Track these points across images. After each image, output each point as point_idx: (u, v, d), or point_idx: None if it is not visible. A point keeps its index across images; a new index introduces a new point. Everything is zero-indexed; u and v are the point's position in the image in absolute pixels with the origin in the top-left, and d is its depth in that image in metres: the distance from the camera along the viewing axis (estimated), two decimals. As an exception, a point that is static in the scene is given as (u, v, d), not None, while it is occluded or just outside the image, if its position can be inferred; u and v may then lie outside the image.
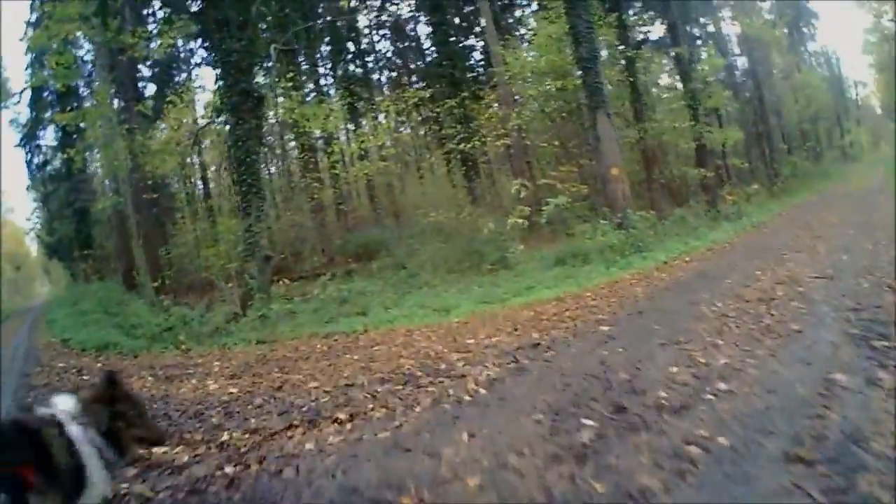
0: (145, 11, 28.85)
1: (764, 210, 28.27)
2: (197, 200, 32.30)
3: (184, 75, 32.65)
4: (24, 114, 34.71)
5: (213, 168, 33.47)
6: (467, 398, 6.97)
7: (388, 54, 38.18)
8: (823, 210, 25.75)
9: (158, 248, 25.67)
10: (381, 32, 37.83)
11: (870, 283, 9.92)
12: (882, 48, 54.07)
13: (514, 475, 4.69)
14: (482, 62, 33.33)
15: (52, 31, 21.65)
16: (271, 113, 26.07)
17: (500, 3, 33.18)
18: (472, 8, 32.15)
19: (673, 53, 31.21)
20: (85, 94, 30.26)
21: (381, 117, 32.42)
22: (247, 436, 6.58)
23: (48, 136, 34.58)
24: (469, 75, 31.98)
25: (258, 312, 15.98)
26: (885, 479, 3.93)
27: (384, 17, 37.02)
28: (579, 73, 22.17)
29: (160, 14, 29.03)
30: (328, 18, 32.44)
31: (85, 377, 12.15)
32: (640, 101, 28.96)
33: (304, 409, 7.45)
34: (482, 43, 32.65)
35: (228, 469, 5.66)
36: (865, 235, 15.27)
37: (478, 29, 33.26)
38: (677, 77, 32.43)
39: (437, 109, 28.51)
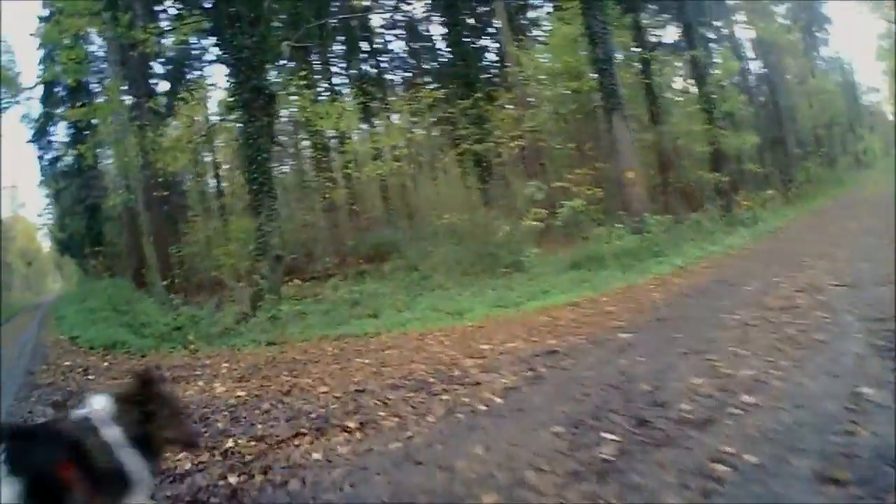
0: (157, 7, 28.83)
1: (779, 216, 28.02)
2: (208, 198, 32.25)
3: (196, 73, 32.62)
4: (37, 109, 34.83)
5: (225, 166, 33.42)
6: (482, 407, 6.76)
7: (402, 54, 38.13)
8: (840, 216, 25.55)
9: (169, 245, 25.58)
10: (395, 32, 37.76)
11: (893, 292, 9.52)
12: (893, 54, 53.90)
13: (532, 493, 4.48)
14: (496, 63, 33.25)
15: (64, 27, 21.56)
16: (284, 111, 25.98)
17: (514, 3, 33.06)
18: (486, 8, 32.04)
19: (688, 56, 31.07)
20: (96, 90, 30.27)
21: (395, 117, 32.37)
22: (252, 443, 6.38)
23: (60, 132, 34.62)
24: (483, 76, 31.90)
25: (268, 313, 15.81)
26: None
27: (398, 17, 36.95)
28: (595, 74, 22.09)
29: (172, 10, 29.04)
30: (341, 17, 32.34)
31: (90, 377, 11.92)
32: (655, 103, 28.86)
33: (312, 415, 7.22)
34: (496, 44, 32.58)
35: (232, 479, 5.47)
36: (885, 243, 14.76)
37: (492, 29, 33.18)
38: (692, 80, 32.27)
39: (451, 110, 28.41)
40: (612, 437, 5.33)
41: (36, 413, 8.91)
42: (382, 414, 6.88)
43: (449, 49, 33.13)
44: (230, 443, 6.43)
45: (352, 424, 6.58)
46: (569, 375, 7.65)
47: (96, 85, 30.39)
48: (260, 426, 7.03)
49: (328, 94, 31.21)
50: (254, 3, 19.01)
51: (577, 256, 18.83)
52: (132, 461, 3.48)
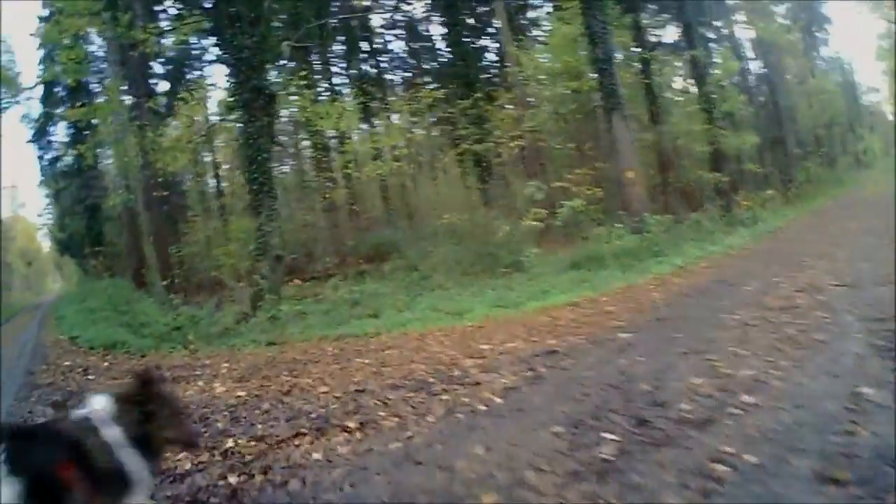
0: (157, 7, 28.82)
1: (779, 216, 28.01)
2: (209, 198, 32.24)
3: (196, 73, 32.60)
4: (37, 109, 34.83)
5: (225, 166, 33.41)
6: (482, 407, 6.76)
7: (402, 54, 38.11)
8: (840, 216, 25.56)
9: (169, 245, 25.55)
10: (395, 32, 37.74)
11: (893, 292, 9.53)
12: (893, 54, 53.92)
13: (532, 493, 4.47)
14: (496, 63, 33.24)
15: (63, 27, 21.57)
16: (284, 111, 25.97)
17: (514, 3, 33.06)
18: (486, 8, 32.04)
19: (688, 56, 31.08)
20: (96, 90, 30.27)
21: (395, 117, 32.32)
22: (252, 443, 6.37)
23: (60, 133, 34.62)
24: (483, 76, 31.90)
25: (268, 313, 15.79)
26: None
27: (398, 17, 36.95)
28: (594, 74, 22.14)
29: (172, 10, 29.04)
30: (342, 17, 32.33)
31: (90, 377, 11.91)
32: (655, 103, 28.88)
33: (312, 415, 7.21)
34: (496, 44, 32.58)
35: (232, 479, 5.46)
36: (885, 243, 14.76)
37: (492, 29, 33.18)
38: (692, 80, 32.27)
39: (451, 110, 28.40)
40: (612, 436, 5.32)
41: (36, 413, 8.90)
42: (382, 414, 6.88)
43: (449, 49, 33.13)
44: (230, 443, 6.42)
45: (352, 424, 6.57)
46: (569, 375, 7.64)
47: (96, 85, 30.43)
48: (260, 426, 7.02)
49: (328, 94, 31.23)
50: (254, 3, 19.00)
51: (577, 256, 18.82)
52: (132, 461, 3.48)
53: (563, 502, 4.30)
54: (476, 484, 4.73)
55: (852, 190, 41.27)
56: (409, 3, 36.70)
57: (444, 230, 22.22)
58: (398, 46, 38.09)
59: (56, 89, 32.13)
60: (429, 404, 7.10)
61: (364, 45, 36.24)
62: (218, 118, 26.14)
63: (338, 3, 33.34)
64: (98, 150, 28.52)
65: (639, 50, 27.82)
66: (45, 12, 27.92)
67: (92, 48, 27.98)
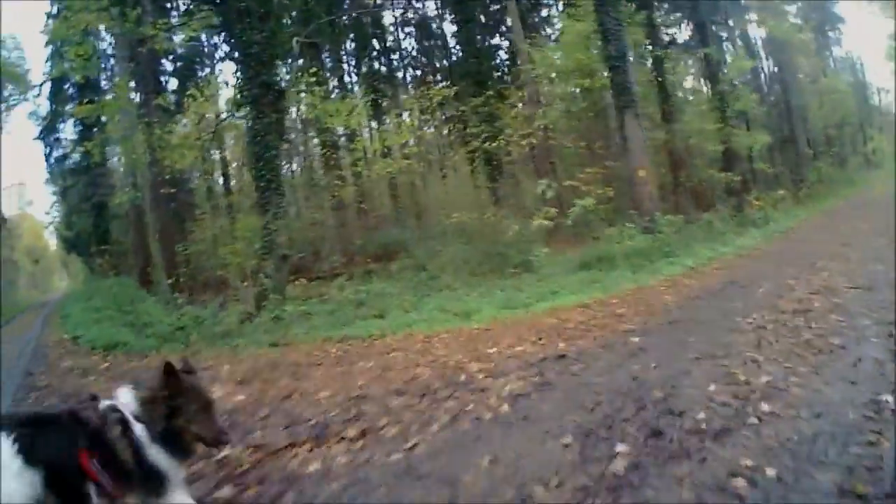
0: (166, 3, 28.77)
1: (791, 216, 27.99)
2: (216, 196, 32.16)
3: (206, 69, 32.58)
4: (44, 106, 34.83)
5: (234, 164, 33.37)
6: (488, 415, 6.49)
7: (413, 52, 38.04)
8: (852, 217, 25.45)
9: (176, 244, 25.45)
10: (407, 30, 37.70)
11: None
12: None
13: (541, 511, 4.25)
14: (508, 61, 33.17)
15: (71, 23, 21.53)
16: (294, 108, 25.92)
17: (527, 1, 33.00)
18: (498, 6, 31.96)
19: (701, 54, 30.99)
20: (105, 87, 30.26)
21: (405, 115, 32.37)
22: (249, 452, 6.12)
23: (67, 130, 34.62)
24: (495, 74, 31.84)
25: (272, 314, 15.66)
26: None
27: (410, 14, 36.91)
28: (607, 72, 22.13)
29: (181, 5, 28.98)
30: (353, 14, 32.29)
31: (90, 378, 11.68)
32: (667, 102, 28.82)
33: (311, 422, 6.94)
34: (508, 42, 32.50)
35: (226, 490, 5.24)
36: None
37: (503, 28, 33.09)
38: (704, 79, 32.19)
39: (462, 108, 28.34)
40: (625, 448, 5.10)
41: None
42: (384, 421, 6.62)
43: (460, 47, 33.09)
44: (226, 450, 6.09)
45: (352, 433, 6.34)
46: (578, 381, 7.41)
47: (105, 82, 30.42)
48: (258, 433, 6.79)
49: (339, 91, 31.20)
50: (263, -1, 19.00)
51: (587, 256, 18.65)
52: (160, 456, 3.53)
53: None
54: (481, 500, 4.53)
55: (862, 190, 41.31)
56: (421, 1, 36.74)
57: (452, 229, 22.09)
58: (410, 44, 38.12)
59: (64, 86, 32.16)
60: (433, 411, 6.84)
61: (375, 43, 36.22)
62: (227, 115, 26.05)
63: (349, 0, 33.33)
64: (106, 148, 28.47)
65: (652, 48, 27.65)
66: (54, 9, 27.94)
67: (101, 45, 27.98)
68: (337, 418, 6.99)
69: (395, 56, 37.39)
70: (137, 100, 24.97)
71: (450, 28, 35.83)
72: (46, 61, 31.56)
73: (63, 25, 22.28)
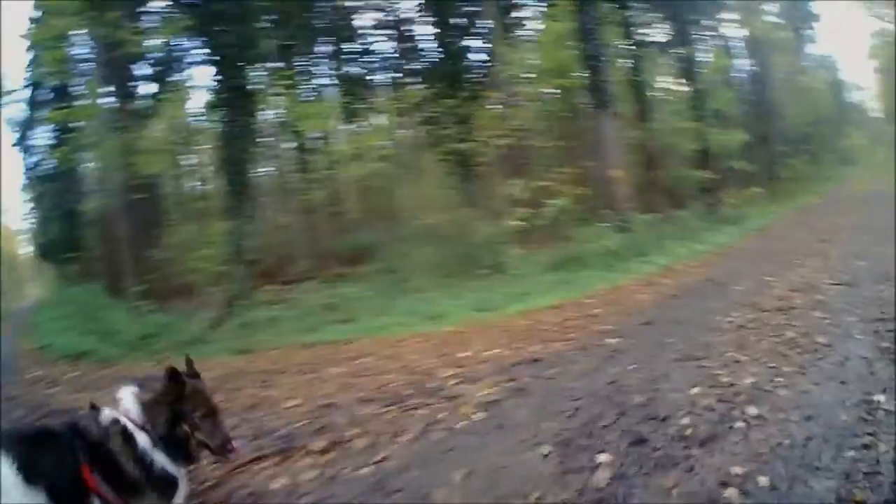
0: (141, 8, 28.58)
1: (766, 213, 28.14)
2: (189, 201, 31.98)
3: (180, 74, 32.43)
4: (23, 112, 34.68)
5: (207, 168, 33.19)
6: (461, 424, 6.26)
7: (388, 54, 37.95)
8: (828, 213, 25.77)
9: (146, 250, 25.25)
10: (381, 32, 37.60)
11: (892, 290, 9.40)
12: (885, 52, 54.46)
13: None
14: (483, 62, 33.11)
15: (49, 27, 21.46)
16: (266, 111, 25.77)
17: (504, 3, 32.98)
18: (474, 8, 31.92)
19: (677, 53, 31.01)
20: (80, 92, 30.10)
21: (379, 118, 32.06)
22: (212, 466, 5.65)
23: (43, 136, 34.47)
24: (469, 75, 31.78)
25: (240, 320, 15.51)
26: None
27: (385, 18, 36.84)
28: (584, 72, 22.12)
29: (156, 9, 28.82)
30: (328, 17, 32.17)
31: (58, 388, 11.48)
32: (642, 101, 28.69)
33: (277, 434, 6.67)
34: (484, 42, 32.44)
35: (191, 508, 4.96)
36: (878, 240, 14.81)
37: (480, 29, 33.04)
38: (681, 78, 32.21)
39: (436, 109, 28.22)
40: (607, 458, 4.94)
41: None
42: (353, 432, 6.37)
43: (436, 48, 33.00)
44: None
45: (319, 445, 6.09)
46: (555, 386, 7.20)
47: (80, 87, 30.24)
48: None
49: (313, 94, 31.08)
50: (237, 0, 18.79)
51: (560, 257, 18.53)
52: (163, 465, 3.39)
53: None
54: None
55: (838, 187, 41.76)
56: (396, 3, 36.72)
57: (424, 231, 22.02)
58: (385, 47, 38.03)
59: (41, 91, 32.01)
60: (404, 421, 6.60)
61: (349, 45, 36.11)
62: (199, 119, 25.87)
63: (324, 3, 33.17)
64: (79, 154, 28.28)
65: (628, 47, 27.61)
66: (37, 14, 27.79)
67: (78, 50, 27.83)
68: (305, 429, 6.76)
69: (370, 59, 37.36)
70: (111, 105, 24.81)
71: (425, 30, 35.85)
72: (27, 67, 31.43)
73: (41, 30, 22.28)
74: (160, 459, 3.38)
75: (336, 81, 32.57)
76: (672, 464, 4.64)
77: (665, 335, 8.88)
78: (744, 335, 8.28)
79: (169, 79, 28.68)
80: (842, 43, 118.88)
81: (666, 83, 33.57)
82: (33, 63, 29.68)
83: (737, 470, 4.34)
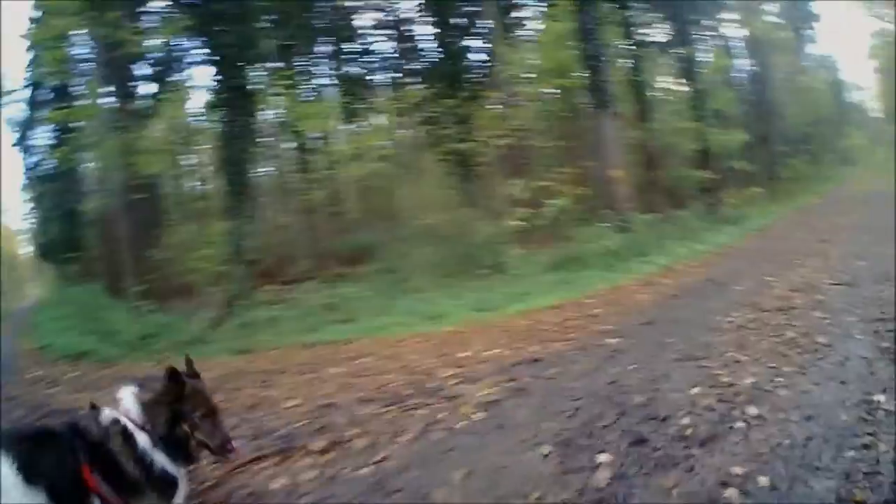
0: (141, 8, 28.55)
1: (766, 213, 28.09)
2: (189, 201, 31.96)
3: (181, 74, 32.42)
4: (23, 112, 34.65)
5: (207, 168, 33.16)
6: (461, 424, 6.24)
7: (388, 54, 37.91)
8: (828, 213, 25.72)
9: (146, 250, 25.23)
10: (381, 32, 37.56)
11: (892, 290, 9.37)
12: (885, 52, 54.49)
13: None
14: (484, 62, 33.08)
15: (49, 27, 21.45)
16: (266, 111, 25.74)
17: (504, 2, 32.97)
18: (474, 8, 31.88)
19: (678, 53, 31.00)
20: (80, 92, 30.07)
21: (379, 118, 32.03)
22: (212, 467, 5.64)
23: (43, 136, 34.47)
24: (470, 75, 31.74)
25: (240, 320, 15.48)
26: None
27: (386, 18, 36.81)
28: (584, 71, 22.10)
29: (156, 8, 28.79)
30: (328, 17, 32.14)
31: (57, 388, 11.45)
32: (643, 101, 28.69)
33: (277, 434, 6.65)
34: (484, 42, 32.41)
35: (190, 508, 4.94)
36: (878, 240, 14.77)
37: (480, 29, 33.01)
38: (681, 77, 32.19)
39: (437, 109, 28.17)
40: (607, 458, 4.93)
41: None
42: (352, 433, 6.35)
43: (436, 48, 32.97)
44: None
45: (319, 445, 6.07)
46: (555, 386, 7.17)
47: (81, 88, 30.22)
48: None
49: (313, 93, 31.05)
50: (237, 0, 18.78)
51: (560, 257, 18.49)
52: (163, 465, 3.39)
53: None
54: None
55: (839, 187, 41.69)
56: (396, 3, 36.69)
57: (424, 231, 21.99)
58: (384, 46, 37.98)
59: (41, 92, 31.99)
60: (403, 421, 6.59)
61: (350, 45, 36.07)
62: (199, 119, 25.87)
63: (324, 3, 33.13)
64: (79, 154, 28.27)
65: (628, 47, 27.59)
66: (37, 14, 27.77)
67: (78, 50, 27.81)
68: (305, 429, 6.74)
69: (370, 58, 37.31)
70: (111, 105, 24.79)
71: (425, 30, 35.82)
72: (27, 67, 31.40)
73: (41, 30, 22.26)
74: (160, 459, 3.37)
75: (336, 81, 32.57)
76: (672, 464, 4.63)
77: (665, 335, 8.84)
78: (744, 335, 8.25)
79: (169, 79, 28.70)
80: (842, 43, 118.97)
81: (666, 83, 33.56)
82: (33, 63, 29.64)
83: (737, 470, 4.33)
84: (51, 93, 29.81)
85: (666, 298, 12.33)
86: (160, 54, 27.31)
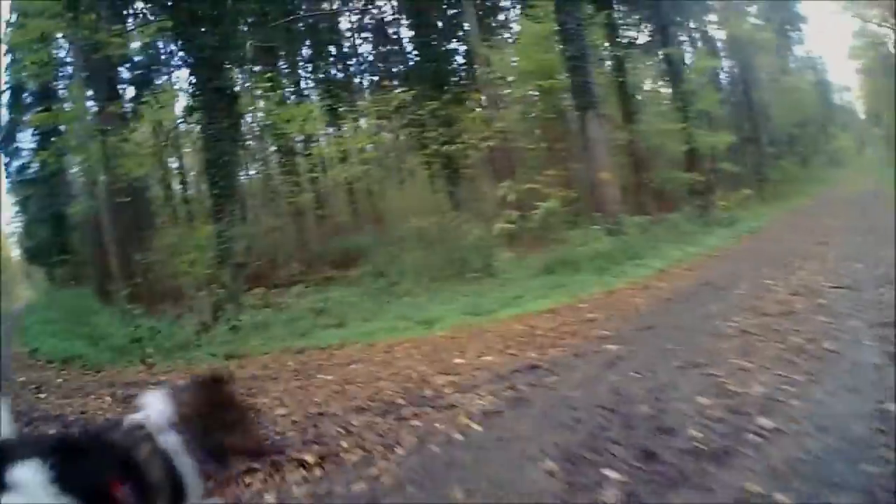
0: (121, 10, 28.46)
1: (757, 215, 28.13)
2: (175, 204, 31.88)
3: (162, 77, 32.35)
4: (5, 116, 34.53)
5: (192, 171, 33.08)
6: (459, 436, 6.00)
7: (371, 56, 37.92)
8: (820, 215, 25.84)
9: (133, 253, 25.12)
10: (364, 35, 37.56)
11: (892, 294, 9.25)
12: (867, 53, 55.55)
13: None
14: (466, 64, 33.05)
15: (28, 30, 21.18)
16: (249, 114, 25.63)
17: (485, 4, 32.94)
18: (455, 11, 31.82)
19: (662, 55, 31.16)
20: (62, 95, 29.98)
21: (363, 120, 32.02)
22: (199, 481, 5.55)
23: (28, 139, 34.36)
24: (452, 77, 31.67)
25: (228, 324, 15.32)
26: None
27: (367, 20, 36.80)
28: (567, 73, 21.99)
29: (136, 10, 28.70)
30: (309, 19, 32.08)
31: (42, 394, 11.19)
32: (629, 102, 28.84)
33: (268, 444, 6.38)
34: (466, 45, 32.38)
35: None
36: (874, 242, 14.83)
37: (461, 32, 32.99)
38: (667, 79, 32.21)
39: (420, 112, 28.08)
40: (615, 475, 4.67)
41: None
42: (345, 444, 6.14)
43: (418, 51, 32.96)
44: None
45: (310, 458, 5.81)
46: (555, 396, 6.94)
47: (63, 90, 30.13)
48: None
49: (295, 96, 31.02)
50: (215, 1, 18.59)
51: (551, 260, 18.27)
52: (191, 473, 3.31)
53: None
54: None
55: (829, 188, 42.10)
56: (378, 5, 36.66)
57: (412, 234, 21.85)
58: (367, 49, 38.01)
59: (23, 94, 31.85)
60: (398, 432, 6.34)
61: (332, 48, 36.06)
62: (181, 121, 25.77)
63: (305, 4, 33.09)
64: (63, 157, 28.17)
65: (612, 48, 27.56)
66: (12, 17, 27.65)
67: (58, 53, 27.72)
68: (294, 440, 6.51)
69: (353, 61, 37.31)
70: (93, 108, 24.68)
71: (407, 32, 35.85)
72: (6, 69, 31.25)
73: (19, 33, 22.09)
74: (190, 470, 3.29)
75: (319, 84, 32.65)
76: (684, 481, 4.42)
77: (665, 341, 8.67)
78: (748, 341, 8.03)
79: (152, 81, 28.68)
80: (828, 44, 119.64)
81: (652, 84, 33.71)
82: (12, 66, 29.52)
83: (754, 488, 4.14)
84: (30, 97, 29.83)
85: (663, 303, 12.19)
86: (142, 57, 27.29)
